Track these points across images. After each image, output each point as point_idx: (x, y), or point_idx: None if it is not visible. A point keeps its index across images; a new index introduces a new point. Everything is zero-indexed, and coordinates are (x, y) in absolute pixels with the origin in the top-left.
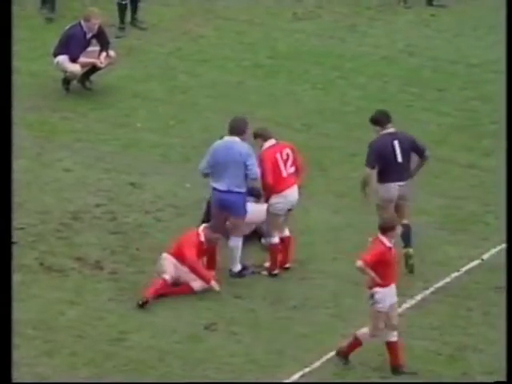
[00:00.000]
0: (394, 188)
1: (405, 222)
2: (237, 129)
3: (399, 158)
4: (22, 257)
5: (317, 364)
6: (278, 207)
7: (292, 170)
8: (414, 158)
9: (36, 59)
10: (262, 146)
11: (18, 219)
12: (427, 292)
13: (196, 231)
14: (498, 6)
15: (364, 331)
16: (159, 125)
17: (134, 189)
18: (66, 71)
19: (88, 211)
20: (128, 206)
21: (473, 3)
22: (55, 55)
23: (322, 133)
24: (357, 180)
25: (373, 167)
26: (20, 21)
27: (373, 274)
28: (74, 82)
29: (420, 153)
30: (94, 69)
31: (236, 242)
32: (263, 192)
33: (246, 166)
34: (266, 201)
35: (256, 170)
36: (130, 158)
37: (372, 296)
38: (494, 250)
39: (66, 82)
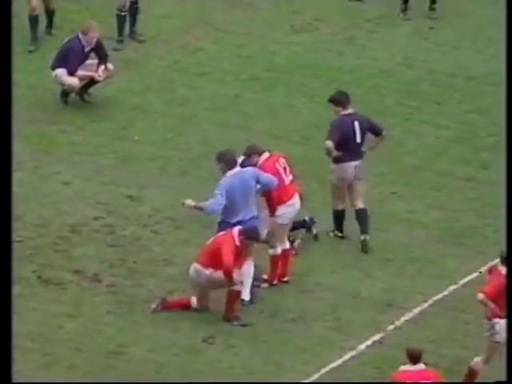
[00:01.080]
0: (350, 167)
1: (361, 206)
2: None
3: (358, 139)
4: (20, 270)
5: (315, 377)
6: (286, 217)
7: (291, 177)
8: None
9: (34, 72)
10: (257, 162)
11: (16, 232)
12: (425, 305)
13: (231, 235)
14: (497, 19)
15: (477, 361)
16: (157, 137)
17: (132, 202)
18: (64, 84)
19: (86, 224)
20: (126, 219)
21: (471, 16)
22: (53, 68)
23: (320, 146)
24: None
25: (333, 142)
26: (17, 33)
27: (493, 305)
28: (73, 95)
29: (378, 132)
30: (92, 82)
31: (250, 267)
32: (269, 204)
33: (260, 183)
34: (272, 212)
35: (271, 179)
36: (128, 171)
37: (492, 327)
38: (491, 263)
39: (65, 94)
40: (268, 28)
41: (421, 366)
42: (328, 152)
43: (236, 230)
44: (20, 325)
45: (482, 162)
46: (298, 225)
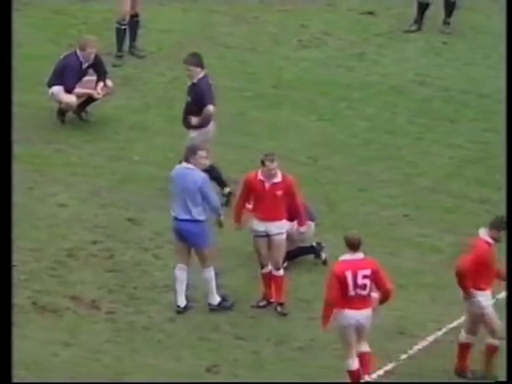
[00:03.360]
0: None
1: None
2: (184, 157)
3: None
4: (14, 296)
5: None
6: (304, 237)
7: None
8: None
9: (27, 89)
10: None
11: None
12: (439, 333)
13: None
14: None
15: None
16: (158, 157)
17: (132, 225)
18: (61, 102)
19: (83, 248)
20: (125, 243)
21: (485, 30)
22: (50, 86)
23: (328, 166)
24: (365, 216)
25: (214, 105)
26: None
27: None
28: (70, 113)
29: None
30: (90, 99)
31: (208, 273)
32: (298, 216)
33: (203, 195)
34: (303, 223)
35: (215, 199)
36: (127, 193)
37: (479, 304)
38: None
39: (61, 113)
40: (274, 43)
41: (360, 255)
42: (208, 117)
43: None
44: (14, 353)
45: (498, 184)
46: (306, 250)
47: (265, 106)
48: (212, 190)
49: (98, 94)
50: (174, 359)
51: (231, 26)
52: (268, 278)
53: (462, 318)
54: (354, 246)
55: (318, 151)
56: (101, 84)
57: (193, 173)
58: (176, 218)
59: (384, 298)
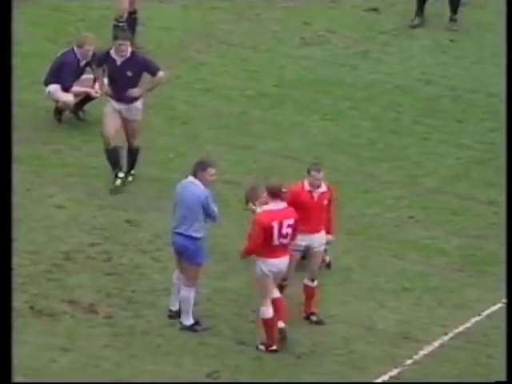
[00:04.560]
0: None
1: (135, 144)
2: (192, 170)
3: None
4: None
5: None
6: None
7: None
8: None
9: (24, 88)
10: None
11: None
12: (445, 338)
13: None
14: None
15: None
16: (157, 158)
17: (131, 227)
18: (58, 101)
19: (81, 251)
20: (124, 246)
21: (493, 28)
22: (46, 84)
23: (331, 167)
24: (369, 218)
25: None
26: None
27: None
28: (67, 113)
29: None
30: (88, 98)
31: (187, 293)
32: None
33: (204, 211)
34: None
35: (216, 215)
36: (126, 194)
37: None
38: None
39: (58, 112)
40: (276, 41)
41: (282, 204)
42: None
43: None
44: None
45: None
46: None
47: (267, 105)
48: (213, 206)
49: (96, 92)
50: (174, 365)
51: (233, 24)
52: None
53: (469, 323)
54: (276, 194)
55: (322, 151)
56: (99, 82)
57: (196, 188)
58: (173, 230)
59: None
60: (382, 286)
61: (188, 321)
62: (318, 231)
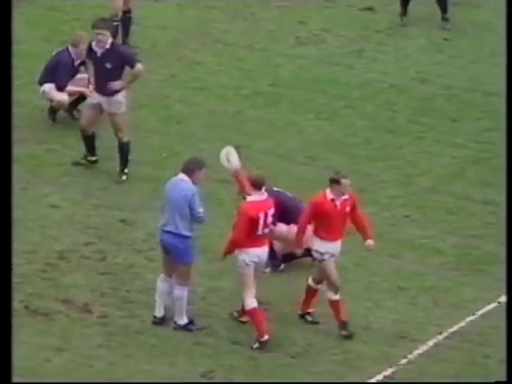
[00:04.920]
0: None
1: (123, 139)
2: (188, 168)
3: None
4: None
5: None
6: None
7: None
8: None
9: (20, 88)
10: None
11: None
12: (440, 337)
13: None
14: None
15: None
16: (152, 157)
17: (125, 226)
18: (52, 100)
19: (76, 250)
20: (118, 245)
21: (490, 27)
22: (41, 83)
23: (326, 166)
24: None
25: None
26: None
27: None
28: (61, 112)
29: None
30: (82, 98)
31: (180, 292)
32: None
33: (191, 209)
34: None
35: (201, 215)
36: (120, 194)
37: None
38: None
39: (53, 111)
40: (271, 40)
41: (264, 194)
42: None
43: None
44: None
45: (502, 184)
46: (303, 253)
47: (262, 104)
48: (199, 207)
49: (91, 92)
50: (169, 365)
51: (228, 23)
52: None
53: (464, 322)
54: (259, 185)
55: (317, 151)
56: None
57: (185, 185)
58: (161, 229)
59: None
60: (377, 286)
61: (182, 320)
62: (339, 239)
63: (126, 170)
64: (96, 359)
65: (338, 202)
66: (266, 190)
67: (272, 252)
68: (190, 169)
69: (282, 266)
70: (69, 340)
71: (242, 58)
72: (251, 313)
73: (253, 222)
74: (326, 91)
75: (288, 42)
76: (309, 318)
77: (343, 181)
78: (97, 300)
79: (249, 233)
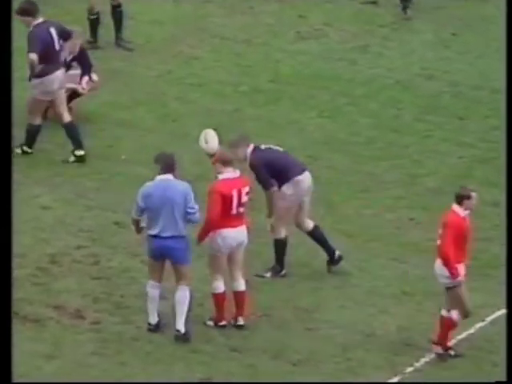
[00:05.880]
0: (56, 78)
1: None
2: (171, 165)
3: (57, 46)
4: None
5: None
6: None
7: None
8: None
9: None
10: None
11: None
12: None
13: None
14: None
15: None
16: (147, 157)
17: (119, 228)
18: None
19: (68, 254)
20: (112, 248)
21: (498, 22)
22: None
23: (328, 166)
24: (368, 219)
25: (37, 54)
26: None
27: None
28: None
29: (67, 37)
30: (74, 95)
31: (185, 293)
32: None
33: (187, 209)
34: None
35: (198, 215)
36: (114, 194)
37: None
38: None
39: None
40: (271, 34)
41: (237, 172)
42: (32, 66)
43: None
44: None
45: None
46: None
47: (261, 101)
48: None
49: (83, 88)
50: (165, 372)
51: (225, 17)
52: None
53: (473, 329)
54: (228, 162)
55: (318, 150)
56: (86, 78)
57: (176, 183)
58: (157, 236)
59: None
60: (381, 291)
61: (183, 327)
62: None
63: (80, 152)
64: (89, 367)
65: (467, 218)
66: (254, 149)
67: (277, 256)
68: (171, 165)
69: (283, 272)
70: (60, 347)
71: (240, 54)
72: (216, 297)
73: (225, 200)
74: (329, 88)
75: (288, 36)
76: (452, 353)
77: (473, 194)
78: (90, 306)
79: (222, 212)
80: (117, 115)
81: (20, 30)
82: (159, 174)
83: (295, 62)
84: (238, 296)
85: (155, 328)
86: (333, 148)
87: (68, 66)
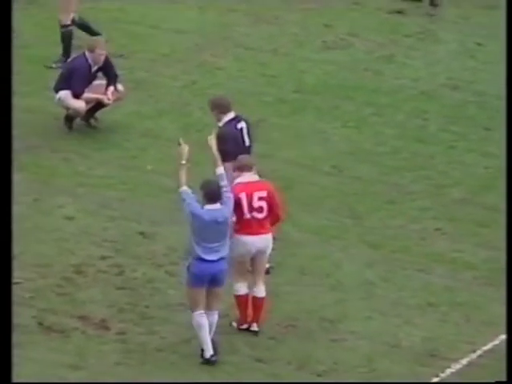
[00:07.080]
0: None
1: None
2: (215, 196)
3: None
4: (18, 315)
5: None
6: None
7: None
8: None
9: (33, 93)
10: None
11: (14, 273)
12: (473, 355)
13: None
14: None
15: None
16: (172, 167)
17: (144, 239)
18: (68, 108)
19: (92, 264)
20: (137, 259)
21: None
22: (57, 90)
23: (354, 176)
24: (394, 230)
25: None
26: (15, 50)
27: None
28: (78, 120)
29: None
30: (99, 105)
31: (216, 317)
32: None
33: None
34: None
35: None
36: (138, 205)
37: None
38: None
39: (69, 119)
40: (296, 44)
41: (255, 177)
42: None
43: None
44: (18, 377)
45: None
46: None
47: (286, 111)
48: None
49: (109, 99)
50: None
51: (250, 27)
52: None
53: (498, 340)
54: (242, 168)
55: (343, 160)
56: (111, 88)
57: (224, 210)
58: (213, 259)
59: (272, 223)
60: (406, 302)
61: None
62: None
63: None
64: (113, 377)
65: None
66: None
67: None
68: (219, 195)
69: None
70: (85, 357)
71: (265, 64)
72: (238, 299)
73: (234, 203)
74: (354, 98)
75: (313, 46)
76: None
77: None
78: (114, 316)
79: (237, 216)
80: (141, 125)
81: (38, 39)
82: (206, 203)
83: (320, 71)
84: (257, 302)
85: (214, 357)
86: (358, 158)
87: (93, 77)
